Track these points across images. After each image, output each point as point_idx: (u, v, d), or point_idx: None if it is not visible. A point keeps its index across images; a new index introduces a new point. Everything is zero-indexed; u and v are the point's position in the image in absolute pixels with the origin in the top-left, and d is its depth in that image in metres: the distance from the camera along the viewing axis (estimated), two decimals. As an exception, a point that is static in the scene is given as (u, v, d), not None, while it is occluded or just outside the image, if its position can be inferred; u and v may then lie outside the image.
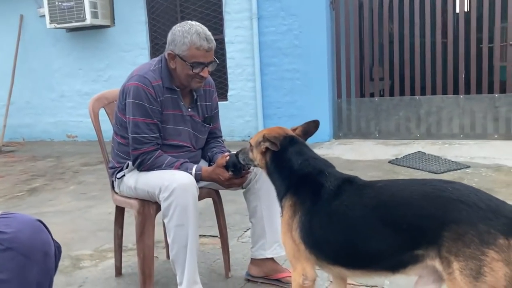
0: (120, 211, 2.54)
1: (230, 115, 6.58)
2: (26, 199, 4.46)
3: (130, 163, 2.25)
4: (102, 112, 2.56)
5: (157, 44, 6.90)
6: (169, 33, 2.23)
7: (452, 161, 4.86)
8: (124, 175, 2.27)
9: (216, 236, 3.07)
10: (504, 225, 1.29)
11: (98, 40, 7.19)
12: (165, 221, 2.03)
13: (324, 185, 1.63)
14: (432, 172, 4.53)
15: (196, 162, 2.38)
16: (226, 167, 2.14)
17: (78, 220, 3.68)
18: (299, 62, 6.17)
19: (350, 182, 1.62)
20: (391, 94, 6.00)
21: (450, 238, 1.33)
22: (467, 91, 5.65)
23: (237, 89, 6.57)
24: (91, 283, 2.57)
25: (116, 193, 2.39)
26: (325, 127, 6.19)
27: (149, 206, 2.21)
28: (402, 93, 5.95)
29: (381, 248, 1.45)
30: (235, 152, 2.22)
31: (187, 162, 2.21)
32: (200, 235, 3.20)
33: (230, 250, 2.78)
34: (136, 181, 2.19)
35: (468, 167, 4.64)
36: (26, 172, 5.65)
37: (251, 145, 1.93)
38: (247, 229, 3.27)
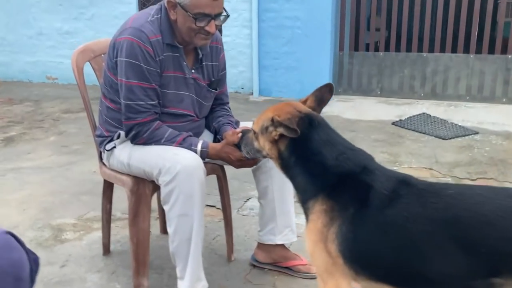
0: (109, 183, 2.21)
1: (223, 63, 6.14)
2: (1, 150, 4.08)
3: (122, 133, 1.90)
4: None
5: (145, -19, 6.29)
6: None
7: (459, 126, 4.60)
8: (114, 147, 1.92)
9: (214, 207, 2.80)
10: None
11: (80, -27, 6.53)
12: (166, 208, 1.72)
13: (374, 188, 1.31)
14: (439, 137, 4.28)
15: (199, 133, 2.04)
16: (238, 145, 1.81)
17: (59, 180, 3.35)
18: (301, 9, 5.67)
19: (407, 184, 1.31)
20: (397, 49, 5.62)
21: None
22: (479, 51, 5.30)
23: (231, 36, 6.08)
24: (75, 261, 2.29)
25: (105, 165, 2.05)
26: (324, 81, 5.72)
27: (145, 184, 1.89)
28: (409, 49, 5.57)
29: (447, 271, 1.18)
30: (247, 124, 1.90)
31: (190, 136, 1.87)
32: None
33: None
34: (130, 156, 1.85)
35: (477, 133, 4.39)
36: (1, 118, 5.21)
37: (254, 132, 1.54)
38: (248, 199, 3.00)
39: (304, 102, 1.57)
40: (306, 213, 1.43)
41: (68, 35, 6.81)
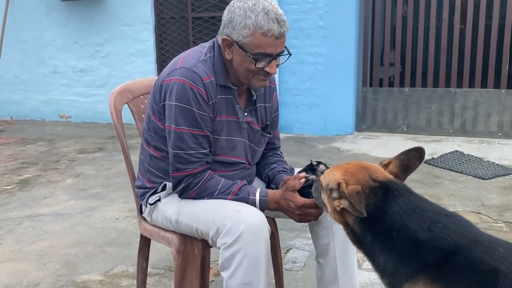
0: (146, 239, 1.97)
1: (242, 101, 5.98)
2: (16, 194, 3.86)
3: (168, 184, 1.67)
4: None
5: (163, 19, 6.20)
6: (225, 10, 1.64)
7: (497, 164, 4.35)
8: (159, 200, 1.70)
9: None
10: None
11: (96, 12, 6.47)
12: (224, 275, 1.47)
13: (501, 271, 1.04)
14: (478, 177, 4.03)
15: (251, 182, 1.82)
16: (301, 192, 1.58)
17: (80, 228, 3.11)
18: (323, 45, 5.56)
19: None
20: (424, 85, 5.44)
21: None
22: (510, 86, 5.12)
23: (251, 72, 5.96)
24: (106, 328, 2.03)
25: (145, 219, 1.82)
26: (348, 118, 5.64)
27: (193, 243, 1.65)
28: (436, 84, 5.40)
29: None
30: (305, 168, 1.67)
31: (246, 185, 1.64)
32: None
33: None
34: (179, 212, 1.62)
35: (517, 172, 4.15)
36: (15, 159, 5.02)
37: (321, 185, 1.34)
38: (288, 250, 2.75)
39: (386, 165, 1.35)
40: None
41: (83, 73, 6.71)
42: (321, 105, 5.70)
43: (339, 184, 1.23)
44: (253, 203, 1.58)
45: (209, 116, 1.59)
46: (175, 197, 1.66)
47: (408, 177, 4.38)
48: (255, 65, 1.57)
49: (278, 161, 1.86)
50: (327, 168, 1.60)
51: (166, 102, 1.59)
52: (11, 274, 2.48)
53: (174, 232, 1.68)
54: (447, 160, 4.55)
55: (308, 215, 1.61)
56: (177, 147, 1.57)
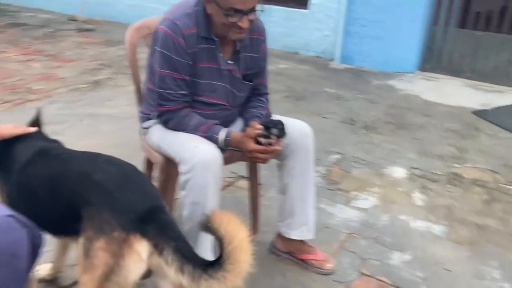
0: (149, 164, 2.37)
1: (307, 26, 6.02)
2: (87, 93, 4.48)
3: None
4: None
5: None
6: None
7: (551, 126, 4.17)
8: (150, 126, 2.07)
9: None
10: (127, 220, 1.36)
11: None
12: (182, 193, 1.85)
13: (16, 158, 1.64)
14: (522, 137, 3.93)
15: (232, 122, 2.12)
16: (256, 139, 1.86)
17: (126, 132, 3.63)
18: (397, -24, 5.33)
19: (44, 152, 1.64)
20: (498, 30, 5.10)
21: (85, 217, 1.41)
22: None
23: (320, -2, 5.91)
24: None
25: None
26: (411, 56, 5.52)
27: (173, 166, 2.01)
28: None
29: (52, 215, 1.53)
30: (265, 123, 1.91)
31: (217, 125, 1.94)
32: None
33: (266, 203, 2.60)
34: (160, 138, 1.99)
35: None
36: (95, 59, 5.67)
37: None
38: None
39: None
40: None
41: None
42: (386, 39, 5.60)
43: None
44: (216, 141, 1.89)
45: (187, 63, 1.86)
46: (161, 126, 2.02)
47: (446, 125, 4.39)
48: (227, 19, 1.77)
49: (258, 107, 2.11)
50: (281, 133, 1.83)
51: (155, 47, 1.89)
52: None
53: (160, 153, 2.06)
54: (497, 114, 4.43)
55: (257, 158, 1.89)
56: (160, 87, 1.89)
